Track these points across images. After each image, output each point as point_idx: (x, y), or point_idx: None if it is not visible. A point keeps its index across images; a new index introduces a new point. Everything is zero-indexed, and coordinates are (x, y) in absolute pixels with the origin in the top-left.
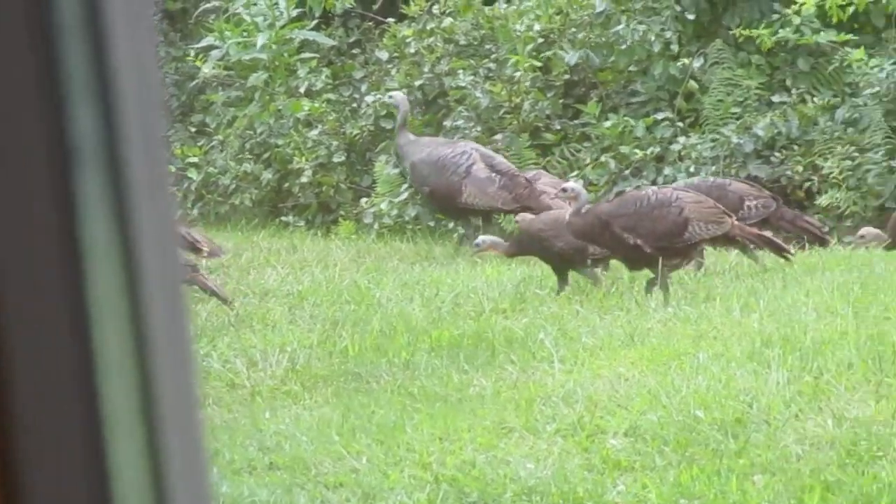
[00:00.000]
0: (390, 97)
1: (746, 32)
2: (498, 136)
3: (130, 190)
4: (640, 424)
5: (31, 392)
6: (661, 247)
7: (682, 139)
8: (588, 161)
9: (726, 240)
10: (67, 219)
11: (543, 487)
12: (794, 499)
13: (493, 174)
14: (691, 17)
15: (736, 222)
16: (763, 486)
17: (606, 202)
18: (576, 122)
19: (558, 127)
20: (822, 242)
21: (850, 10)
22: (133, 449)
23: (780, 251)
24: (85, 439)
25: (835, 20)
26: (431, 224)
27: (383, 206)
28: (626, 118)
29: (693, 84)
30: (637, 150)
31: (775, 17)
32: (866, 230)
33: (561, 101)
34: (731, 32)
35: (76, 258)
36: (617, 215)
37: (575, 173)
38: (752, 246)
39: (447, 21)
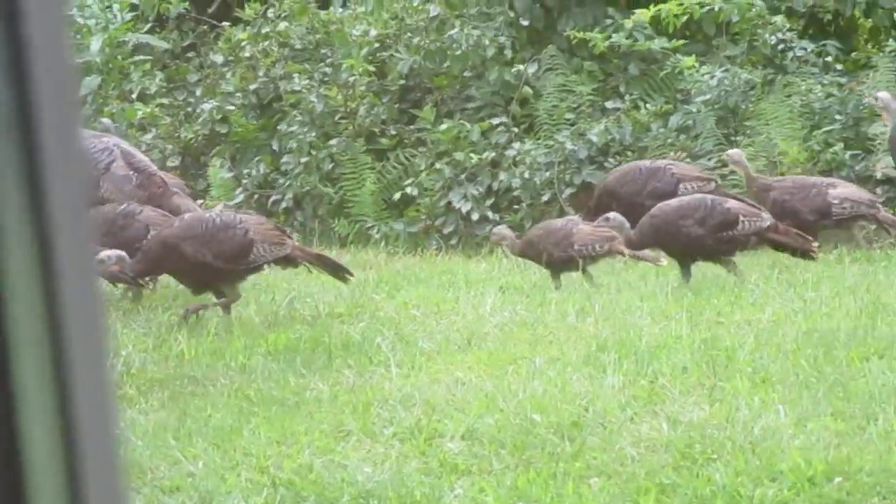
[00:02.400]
0: None
1: (581, 35)
2: (333, 141)
3: (41, 157)
4: (477, 428)
5: None
6: (228, 268)
7: (516, 145)
8: (423, 167)
9: (287, 261)
10: None
11: (381, 491)
12: (630, 501)
13: (131, 172)
14: (525, 22)
15: (296, 244)
16: (599, 489)
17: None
18: (411, 127)
19: (394, 132)
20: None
21: (685, 18)
22: (48, 441)
23: (337, 272)
24: None
25: (670, 29)
26: None
27: (217, 208)
28: (461, 123)
29: (527, 90)
30: (472, 155)
31: (609, 22)
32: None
33: (396, 105)
34: (565, 35)
35: None
36: (184, 237)
37: (410, 180)
38: (310, 266)
39: (282, 25)
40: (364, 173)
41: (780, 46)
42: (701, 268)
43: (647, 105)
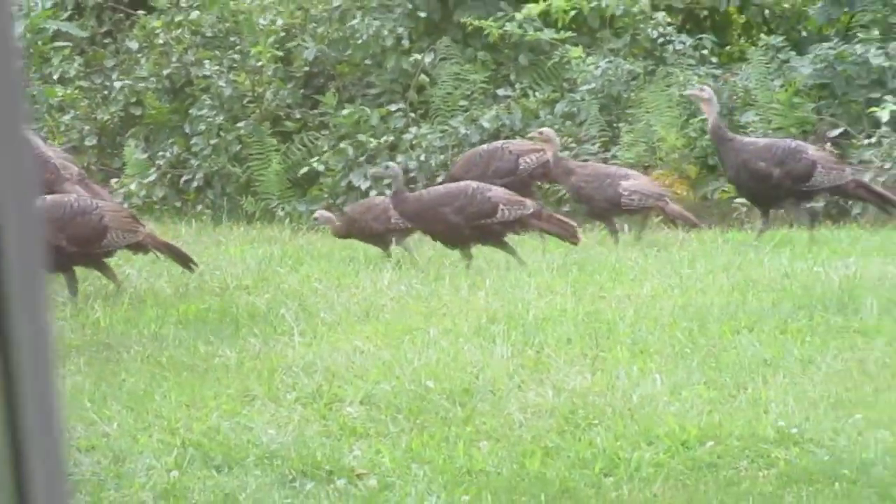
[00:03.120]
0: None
1: (476, 23)
2: (241, 124)
3: None
4: (374, 394)
5: None
6: (81, 252)
7: (413, 129)
8: (326, 148)
9: (138, 247)
10: None
11: (284, 452)
12: (517, 463)
13: None
14: (423, 14)
15: (148, 232)
16: (488, 451)
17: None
18: (315, 111)
19: (298, 116)
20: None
21: (574, 12)
22: None
23: (184, 262)
24: None
25: (559, 23)
26: (178, 205)
27: (133, 186)
28: (361, 108)
29: (424, 77)
30: (372, 139)
31: (501, 14)
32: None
33: (301, 91)
34: (461, 22)
35: None
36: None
37: (315, 159)
38: (158, 253)
39: (194, 14)
40: (270, 154)
41: (661, 40)
42: (586, 246)
43: (536, 93)
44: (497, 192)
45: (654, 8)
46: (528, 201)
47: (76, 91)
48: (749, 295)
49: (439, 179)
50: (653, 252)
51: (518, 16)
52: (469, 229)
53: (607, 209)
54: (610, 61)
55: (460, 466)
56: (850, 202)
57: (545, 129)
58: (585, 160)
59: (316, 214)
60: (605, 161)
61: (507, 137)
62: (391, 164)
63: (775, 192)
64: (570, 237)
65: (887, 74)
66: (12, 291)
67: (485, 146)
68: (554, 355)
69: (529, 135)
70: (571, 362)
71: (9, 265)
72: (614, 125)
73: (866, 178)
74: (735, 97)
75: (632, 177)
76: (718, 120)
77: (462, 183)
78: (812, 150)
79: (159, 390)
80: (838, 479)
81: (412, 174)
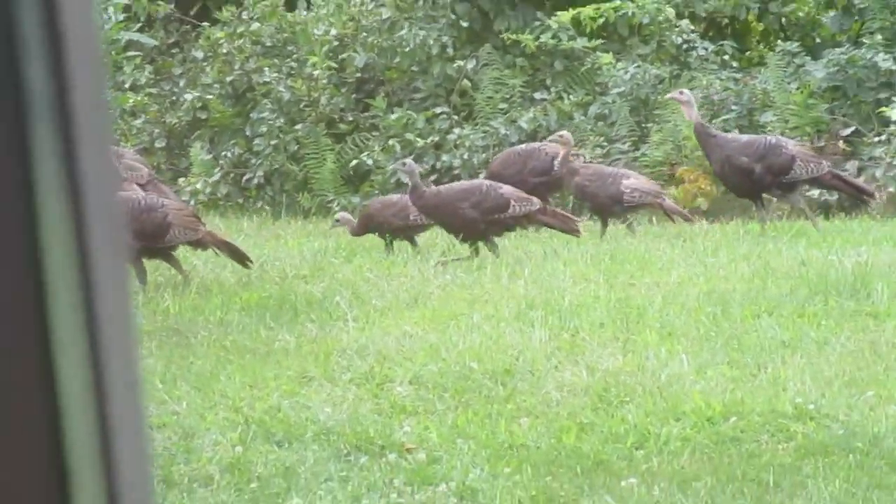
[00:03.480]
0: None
1: (514, 37)
2: (298, 126)
3: (77, 141)
4: (422, 374)
5: None
6: (145, 247)
7: (457, 130)
8: (376, 148)
9: (198, 244)
10: (24, 166)
11: (339, 428)
12: (554, 438)
13: None
14: (465, 24)
15: (208, 230)
16: (528, 427)
17: None
18: (365, 114)
19: (351, 119)
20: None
21: (601, 20)
22: (85, 420)
23: (240, 258)
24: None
25: (588, 30)
26: (240, 201)
27: (199, 185)
28: (409, 112)
29: (467, 83)
30: (419, 139)
31: (537, 24)
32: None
33: (353, 96)
34: (500, 37)
35: (31, 202)
36: None
37: (365, 153)
38: (218, 251)
39: (255, 25)
40: (325, 154)
41: (685, 46)
42: (616, 238)
43: (570, 96)
44: (507, 189)
45: (679, 16)
46: (535, 198)
47: (146, 97)
48: (768, 282)
49: (482, 176)
50: (679, 242)
51: (553, 24)
52: (484, 223)
53: (610, 205)
54: (638, 66)
55: (502, 441)
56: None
57: (564, 133)
58: (617, 159)
59: (337, 216)
60: (634, 159)
61: (543, 138)
62: (408, 160)
63: (758, 184)
64: (572, 231)
65: (895, 77)
66: (98, 277)
67: (523, 146)
68: (588, 338)
69: (549, 137)
70: (604, 344)
71: (95, 256)
72: (643, 125)
73: (877, 173)
74: (755, 99)
75: (632, 176)
76: (700, 119)
77: (476, 181)
78: (791, 145)
79: (224, 372)
80: (852, 451)
81: (456, 171)
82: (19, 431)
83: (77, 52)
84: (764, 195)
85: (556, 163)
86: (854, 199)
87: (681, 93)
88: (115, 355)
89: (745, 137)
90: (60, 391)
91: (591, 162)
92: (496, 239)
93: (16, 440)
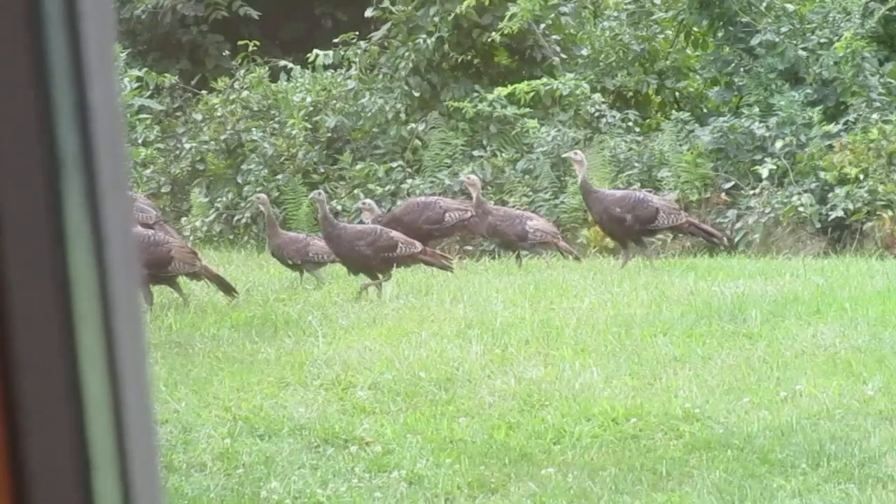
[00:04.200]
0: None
1: (456, 105)
2: (279, 176)
3: (100, 188)
4: (379, 381)
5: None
6: (152, 274)
7: (409, 180)
8: (343, 195)
9: (195, 276)
10: (56, 211)
11: (311, 425)
12: (487, 434)
13: None
14: (417, 94)
15: (203, 265)
16: (465, 425)
17: None
18: (335, 167)
19: (322, 170)
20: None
21: (532, 94)
22: (104, 419)
23: (227, 289)
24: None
25: (521, 101)
26: (231, 237)
27: (197, 223)
28: (370, 164)
29: (417, 142)
30: (378, 187)
31: (475, 95)
32: None
33: (324, 151)
34: (445, 105)
35: (61, 241)
36: None
37: (335, 199)
38: (209, 281)
39: (244, 93)
40: (301, 199)
41: (597, 114)
42: (538, 270)
43: (502, 154)
44: (396, 233)
45: (592, 90)
46: (417, 242)
47: (155, 151)
48: (663, 307)
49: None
50: (590, 275)
51: (488, 96)
52: (376, 260)
53: (516, 241)
54: (558, 130)
55: (444, 436)
56: (737, 239)
57: (471, 175)
58: (540, 206)
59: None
60: (555, 206)
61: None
62: (368, 201)
63: (629, 231)
64: (446, 268)
65: (766, 142)
66: (115, 300)
67: (423, 198)
68: (515, 353)
69: (461, 177)
70: (529, 358)
71: (113, 281)
72: (561, 178)
73: (750, 220)
74: (653, 158)
75: (535, 218)
76: (586, 177)
77: (372, 226)
78: (656, 199)
79: (216, 378)
80: (730, 447)
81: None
82: (51, 427)
83: (101, 117)
84: (637, 240)
85: (447, 215)
86: (708, 241)
87: (575, 153)
88: (129, 362)
89: (619, 192)
90: (84, 392)
91: (505, 205)
92: (386, 273)
93: (46, 435)
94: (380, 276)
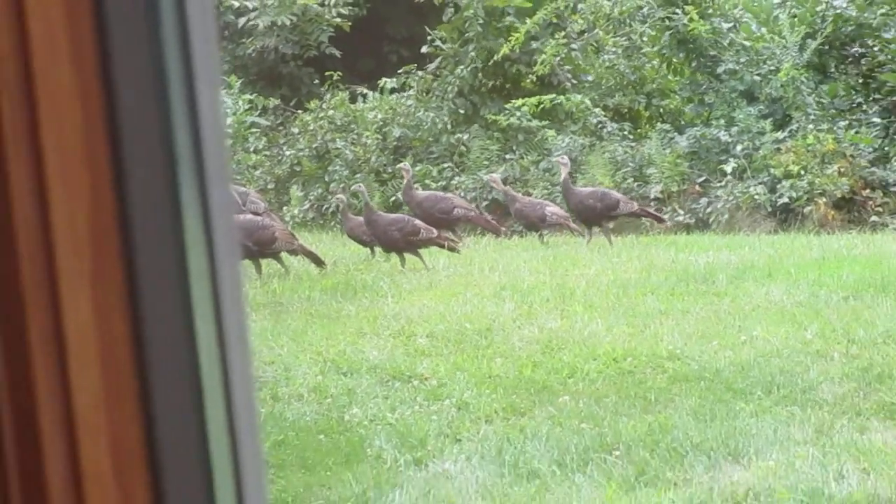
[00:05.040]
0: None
1: (492, 118)
2: (357, 175)
3: (207, 180)
4: (435, 331)
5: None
6: (262, 251)
7: (456, 178)
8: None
9: (293, 252)
10: (174, 198)
11: (382, 365)
12: (517, 371)
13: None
14: (461, 111)
15: (300, 244)
16: (500, 364)
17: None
18: (398, 168)
19: (390, 171)
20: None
21: (542, 107)
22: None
23: (317, 261)
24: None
25: (532, 113)
26: (321, 223)
27: (295, 212)
28: (427, 166)
29: (462, 148)
30: (432, 183)
31: (506, 111)
32: None
33: (391, 156)
34: (483, 118)
35: (178, 221)
36: (244, 230)
37: (399, 192)
38: (305, 255)
39: (330, 112)
40: (374, 193)
41: (599, 125)
42: (555, 245)
43: (528, 156)
44: (419, 222)
45: (595, 106)
46: (434, 229)
47: (262, 157)
48: (651, 273)
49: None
50: (596, 249)
51: (517, 112)
52: (403, 242)
53: (538, 223)
54: (571, 138)
55: (485, 373)
56: (710, 220)
57: (493, 175)
58: (556, 196)
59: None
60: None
61: (511, 184)
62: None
63: (598, 217)
64: (453, 249)
65: (730, 146)
66: (221, 273)
67: (440, 193)
68: (538, 309)
69: (484, 178)
70: (549, 313)
71: (219, 257)
72: (573, 174)
73: (718, 206)
74: (643, 159)
75: (552, 206)
76: (567, 177)
77: (400, 215)
78: (615, 193)
79: (310, 329)
80: (702, 379)
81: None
82: (176, 378)
83: (207, 120)
84: (602, 223)
85: (455, 210)
86: (657, 221)
87: (562, 158)
88: (232, 326)
89: (589, 189)
90: (198, 348)
91: (529, 195)
92: (410, 253)
93: (171, 382)
94: (404, 255)
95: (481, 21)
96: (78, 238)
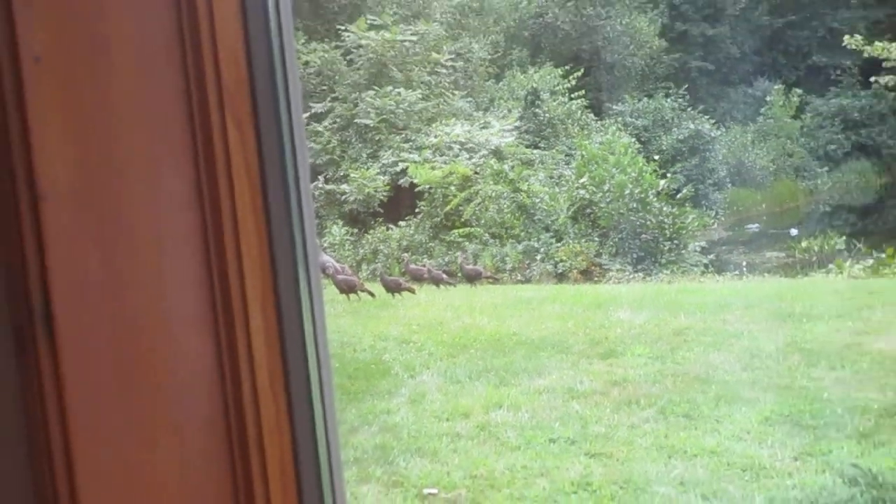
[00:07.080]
0: None
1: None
2: None
3: (300, 201)
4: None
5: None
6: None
7: None
8: None
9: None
10: (266, 221)
11: (422, 343)
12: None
13: None
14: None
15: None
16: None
17: None
18: None
19: None
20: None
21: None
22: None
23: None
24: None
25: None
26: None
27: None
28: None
29: None
30: None
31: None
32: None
33: None
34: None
35: (271, 244)
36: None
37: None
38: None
39: None
40: None
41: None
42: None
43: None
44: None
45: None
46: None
47: None
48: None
49: None
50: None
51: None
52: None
53: None
54: None
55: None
56: None
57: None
58: None
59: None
60: None
61: None
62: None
63: None
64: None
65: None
66: (312, 285)
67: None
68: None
69: None
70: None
71: (308, 274)
72: None
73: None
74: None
75: None
76: None
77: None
78: None
79: (378, 320)
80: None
81: None
82: (274, 365)
83: (299, 139)
84: None
85: None
86: None
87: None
88: (321, 338)
89: None
90: (309, 364)
91: None
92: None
93: (268, 366)
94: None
95: None
96: (255, 271)
